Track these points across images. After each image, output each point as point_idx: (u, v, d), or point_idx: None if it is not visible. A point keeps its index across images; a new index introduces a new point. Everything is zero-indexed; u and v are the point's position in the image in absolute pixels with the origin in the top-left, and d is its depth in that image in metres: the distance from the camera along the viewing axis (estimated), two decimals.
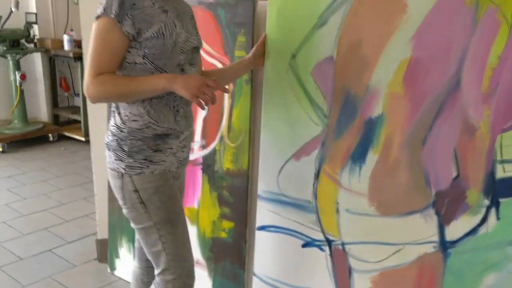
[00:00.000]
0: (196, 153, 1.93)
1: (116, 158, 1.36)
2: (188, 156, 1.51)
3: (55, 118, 5.07)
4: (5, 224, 2.99)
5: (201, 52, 1.61)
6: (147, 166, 1.35)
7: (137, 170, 1.34)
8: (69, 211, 3.20)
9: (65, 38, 4.53)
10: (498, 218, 1.24)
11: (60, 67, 5.03)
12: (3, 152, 4.37)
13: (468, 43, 1.22)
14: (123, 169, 1.35)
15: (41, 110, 5.02)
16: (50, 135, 4.75)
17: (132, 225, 1.42)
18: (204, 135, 1.90)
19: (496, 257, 1.25)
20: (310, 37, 1.47)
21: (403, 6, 1.30)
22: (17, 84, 4.40)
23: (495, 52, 1.19)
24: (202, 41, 1.50)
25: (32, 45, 4.63)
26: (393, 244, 1.42)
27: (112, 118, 1.40)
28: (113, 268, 2.38)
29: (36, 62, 4.91)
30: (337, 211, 1.51)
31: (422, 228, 1.35)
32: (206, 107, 1.34)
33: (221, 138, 1.86)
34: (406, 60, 1.32)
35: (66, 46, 4.54)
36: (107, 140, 1.40)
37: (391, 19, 1.32)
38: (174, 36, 1.31)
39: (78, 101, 4.97)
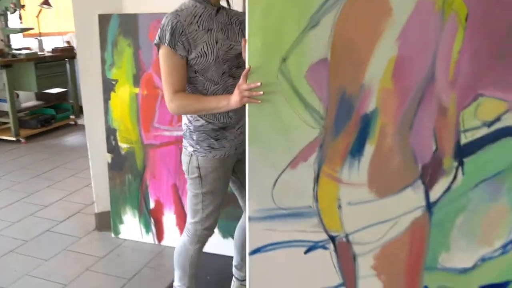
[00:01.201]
0: None
1: (188, 144, 1.82)
2: (244, 139, 1.70)
3: None
4: None
5: None
6: (210, 151, 1.80)
7: (202, 154, 1.80)
8: (42, 198, 3.54)
9: None
10: (463, 174, 1.63)
11: None
12: None
13: (438, 42, 1.52)
14: (193, 151, 1.81)
15: None
16: None
17: (187, 186, 1.89)
18: None
19: (463, 202, 1.66)
20: (302, 39, 1.41)
21: (389, 10, 1.45)
22: None
23: (456, 49, 1.53)
24: None
25: None
26: (390, 220, 1.61)
27: (183, 117, 1.86)
28: (117, 232, 2.88)
29: None
30: (339, 207, 1.56)
31: (413, 198, 1.61)
32: (259, 101, 1.52)
33: None
34: (394, 58, 1.49)
35: None
36: (183, 129, 1.86)
37: (379, 22, 1.46)
38: (215, 52, 1.65)
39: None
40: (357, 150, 1.54)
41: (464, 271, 1.73)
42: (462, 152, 1.61)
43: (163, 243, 2.76)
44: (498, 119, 1.62)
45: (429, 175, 1.61)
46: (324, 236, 1.58)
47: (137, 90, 2.53)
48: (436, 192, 1.63)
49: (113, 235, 2.87)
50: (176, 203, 2.66)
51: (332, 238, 1.59)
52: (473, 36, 1.52)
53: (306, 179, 1.52)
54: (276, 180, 1.50)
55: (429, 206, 1.63)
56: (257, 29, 1.39)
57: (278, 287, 1.61)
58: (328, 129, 1.51)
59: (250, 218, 1.51)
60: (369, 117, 1.53)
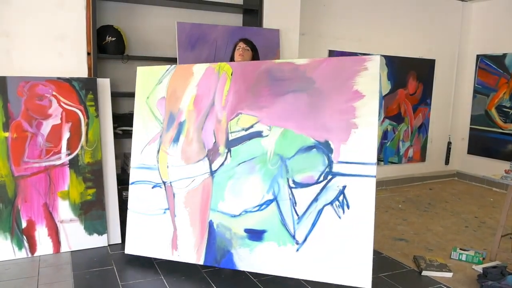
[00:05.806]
0: (64, 158, 3.39)
1: None
2: None
3: None
4: None
5: (65, 104, 3.39)
6: None
7: None
8: None
9: None
10: (231, 156, 2.97)
11: None
12: None
13: (216, 86, 3.05)
14: None
15: None
16: None
17: None
18: (68, 147, 3.40)
19: (232, 173, 2.97)
20: (155, 88, 3.21)
21: (192, 73, 3.12)
22: None
23: (226, 89, 3.02)
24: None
25: None
26: (191, 177, 3.06)
27: None
28: None
29: None
30: (167, 166, 3.13)
31: (203, 167, 3.04)
32: None
33: (82, 147, 3.45)
34: (194, 95, 3.10)
35: None
36: None
37: (187, 79, 3.13)
38: None
39: None
40: (176, 139, 3.11)
41: (234, 216, 2.95)
42: (230, 144, 2.98)
43: (36, 254, 3.30)
44: (252, 126, 2.96)
45: (211, 155, 3.01)
46: (160, 181, 3.12)
47: (6, 134, 3.21)
48: (215, 165, 3.01)
49: None
50: (47, 218, 3.33)
51: (164, 183, 3.11)
52: (235, 82, 3.00)
53: (154, 151, 3.16)
54: (143, 150, 3.20)
55: (212, 173, 3.01)
56: (139, 86, 3.25)
57: (142, 204, 3.18)
58: (164, 128, 3.15)
59: (132, 168, 3.21)
60: (182, 123, 3.11)
